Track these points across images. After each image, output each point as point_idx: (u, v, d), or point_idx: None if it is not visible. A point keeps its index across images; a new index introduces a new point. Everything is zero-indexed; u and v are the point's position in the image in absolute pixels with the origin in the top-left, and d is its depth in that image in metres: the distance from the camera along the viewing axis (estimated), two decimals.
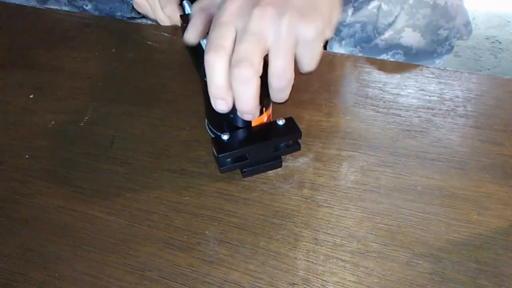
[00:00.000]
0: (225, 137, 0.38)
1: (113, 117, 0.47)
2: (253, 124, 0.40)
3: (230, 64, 0.34)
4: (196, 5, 0.41)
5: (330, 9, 0.36)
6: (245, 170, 0.40)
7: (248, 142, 0.39)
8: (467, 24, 0.63)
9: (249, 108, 0.35)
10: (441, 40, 0.59)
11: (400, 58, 0.59)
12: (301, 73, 0.37)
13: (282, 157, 0.42)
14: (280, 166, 0.41)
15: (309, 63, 0.37)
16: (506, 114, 0.46)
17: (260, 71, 0.34)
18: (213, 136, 0.43)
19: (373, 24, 0.59)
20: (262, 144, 0.39)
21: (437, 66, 0.61)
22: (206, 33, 0.40)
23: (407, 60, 0.59)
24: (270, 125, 0.40)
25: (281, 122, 0.40)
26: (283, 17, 0.33)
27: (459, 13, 0.59)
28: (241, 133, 0.39)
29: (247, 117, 0.37)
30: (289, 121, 0.40)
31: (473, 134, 0.44)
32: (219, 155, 0.38)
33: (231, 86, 0.34)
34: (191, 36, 0.40)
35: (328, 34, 0.36)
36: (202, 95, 0.40)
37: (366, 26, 0.59)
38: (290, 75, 0.35)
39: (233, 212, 0.38)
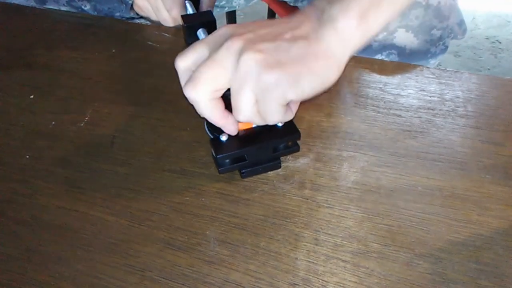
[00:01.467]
0: (223, 138, 0.38)
1: (113, 117, 0.47)
2: (240, 128, 0.39)
3: None
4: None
5: (299, 73, 0.34)
6: (243, 171, 0.40)
7: (247, 143, 0.39)
8: (461, 23, 0.62)
9: (217, 123, 0.37)
10: (434, 40, 0.59)
11: (394, 58, 0.59)
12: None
13: (282, 157, 0.42)
14: (279, 167, 0.41)
15: (264, 115, 0.36)
16: (506, 114, 0.46)
17: (210, 96, 0.35)
18: (212, 137, 0.43)
19: None
20: (261, 145, 0.39)
21: (432, 66, 0.61)
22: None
23: (401, 60, 0.59)
24: (269, 126, 0.40)
25: (280, 123, 0.40)
26: (244, 53, 0.34)
27: (452, 13, 0.59)
28: (240, 134, 0.39)
29: (226, 131, 0.38)
30: (288, 122, 0.40)
31: (473, 135, 0.44)
32: (218, 156, 0.38)
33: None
34: None
35: (290, 96, 0.34)
36: None
37: None
38: (244, 114, 0.36)
39: (233, 213, 0.38)
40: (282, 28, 0.36)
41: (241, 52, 0.34)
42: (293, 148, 0.41)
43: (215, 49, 0.35)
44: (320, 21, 0.36)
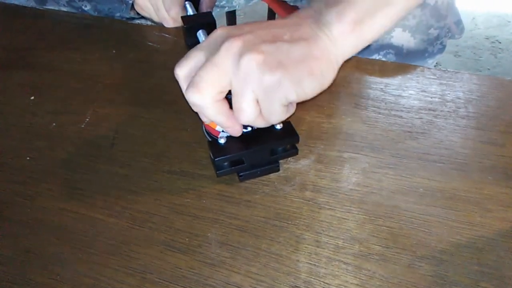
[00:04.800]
0: (222, 140, 0.38)
1: (113, 118, 0.47)
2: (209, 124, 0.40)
3: None
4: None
5: (301, 74, 0.34)
6: (241, 174, 0.40)
7: (245, 146, 0.39)
8: (459, 22, 0.62)
9: (223, 125, 0.37)
10: (431, 39, 0.59)
11: (391, 58, 0.59)
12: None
13: (283, 159, 0.41)
14: (278, 170, 0.41)
15: (267, 115, 0.36)
16: (507, 115, 0.46)
17: (214, 98, 0.35)
18: (210, 139, 0.42)
19: None
20: (259, 148, 0.39)
21: (430, 66, 0.61)
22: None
23: (399, 60, 0.59)
24: (267, 129, 0.39)
25: (278, 126, 0.39)
26: (244, 55, 0.34)
27: (450, 12, 0.59)
28: (238, 137, 0.39)
29: (232, 132, 0.38)
30: (287, 125, 0.40)
31: (474, 136, 0.44)
32: (216, 159, 0.37)
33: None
34: None
35: (292, 97, 0.34)
36: None
37: None
38: (247, 116, 0.35)
39: (234, 214, 0.38)
40: (280, 29, 0.36)
41: (241, 54, 0.34)
42: (292, 151, 0.41)
43: (212, 52, 0.35)
44: (317, 23, 0.37)
